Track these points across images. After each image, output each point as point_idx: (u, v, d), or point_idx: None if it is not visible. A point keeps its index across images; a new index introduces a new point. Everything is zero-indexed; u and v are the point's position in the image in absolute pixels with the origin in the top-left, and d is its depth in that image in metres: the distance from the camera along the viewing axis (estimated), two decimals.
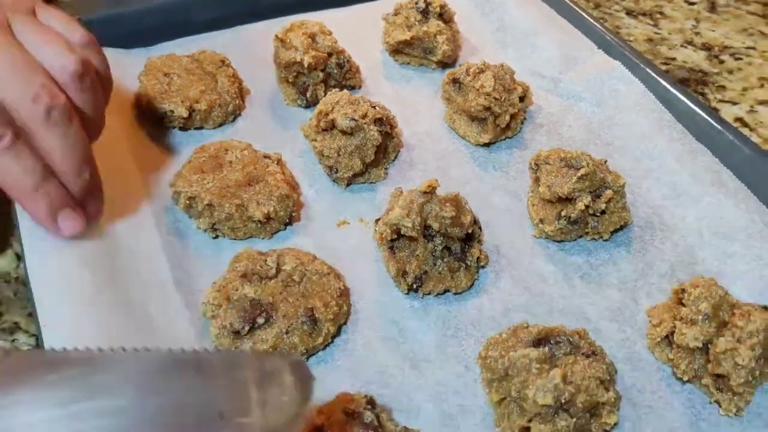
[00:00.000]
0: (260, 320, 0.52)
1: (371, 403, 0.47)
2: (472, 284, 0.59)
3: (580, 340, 0.50)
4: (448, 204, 0.56)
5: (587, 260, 0.61)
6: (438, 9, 0.78)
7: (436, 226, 0.55)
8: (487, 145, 0.71)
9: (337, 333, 0.55)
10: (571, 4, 0.84)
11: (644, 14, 0.94)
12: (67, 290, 0.51)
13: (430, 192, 0.56)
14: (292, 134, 0.71)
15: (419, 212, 0.55)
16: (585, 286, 0.59)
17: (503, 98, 0.68)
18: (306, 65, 0.70)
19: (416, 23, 0.78)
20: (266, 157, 0.64)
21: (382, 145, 0.66)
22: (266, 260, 0.55)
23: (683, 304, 0.52)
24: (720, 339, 0.49)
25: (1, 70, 0.48)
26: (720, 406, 0.50)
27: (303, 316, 0.52)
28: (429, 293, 0.57)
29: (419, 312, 0.57)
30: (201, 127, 0.71)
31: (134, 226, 0.59)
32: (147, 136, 0.69)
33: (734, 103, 0.80)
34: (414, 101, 0.76)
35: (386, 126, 0.66)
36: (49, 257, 0.53)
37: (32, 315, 0.51)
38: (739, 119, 0.78)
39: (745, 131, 0.76)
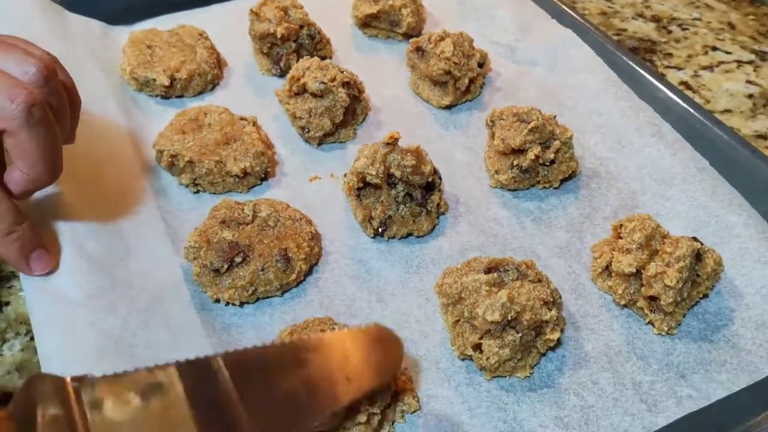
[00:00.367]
0: (238, 259, 0.57)
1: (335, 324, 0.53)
2: (433, 228, 0.64)
3: (527, 270, 0.56)
4: (409, 154, 0.61)
5: (539, 206, 0.66)
6: None
7: (398, 174, 0.61)
8: (448, 107, 0.76)
9: (309, 272, 0.60)
10: None
11: None
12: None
13: (392, 143, 0.61)
14: (267, 101, 0.76)
15: (382, 161, 0.60)
16: (536, 228, 0.64)
17: (462, 63, 0.74)
18: (279, 36, 0.75)
19: None
20: (242, 119, 0.70)
21: (351, 107, 0.72)
22: (243, 208, 0.60)
23: (621, 238, 0.58)
24: (651, 264, 0.55)
25: None
26: (654, 326, 0.56)
27: (277, 255, 0.58)
28: (393, 237, 0.63)
29: (384, 253, 0.62)
30: (181, 96, 0.76)
31: (129, 180, 0.65)
32: (132, 103, 0.74)
33: (680, 69, 0.86)
34: (381, 69, 0.82)
35: (354, 89, 0.71)
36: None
37: None
38: (683, 83, 0.84)
39: (689, 93, 0.82)
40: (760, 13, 0.97)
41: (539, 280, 0.55)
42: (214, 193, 0.66)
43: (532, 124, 0.64)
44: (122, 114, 0.72)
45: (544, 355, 0.54)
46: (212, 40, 0.80)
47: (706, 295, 0.58)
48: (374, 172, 0.60)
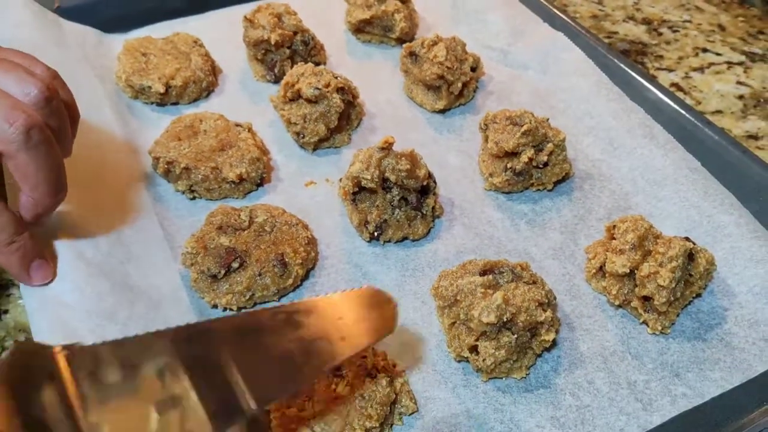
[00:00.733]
0: (235, 265, 0.57)
1: None
2: (428, 232, 0.64)
3: (522, 271, 0.56)
4: (403, 158, 0.61)
5: (533, 208, 0.67)
6: None
7: (393, 178, 0.61)
8: (442, 111, 0.77)
9: (306, 277, 0.60)
10: None
11: None
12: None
13: (387, 148, 0.61)
14: (262, 107, 0.76)
15: (377, 166, 0.61)
16: (530, 230, 0.65)
17: (455, 67, 0.74)
18: (273, 43, 0.76)
19: (375, 3, 0.84)
20: (238, 125, 0.70)
21: (345, 113, 0.72)
22: (240, 214, 0.61)
23: (615, 239, 0.59)
24: (644, 264, 0.55)
25: None
26: (648, 326, 0.57)
27: (274, 261, 0.58)
28: (389, 241, 0.63)
29: (380, 257, 0.63)
30: (177, 103, 0.77)
31: (125, 188, 0.65)
32: (127, 110, 0.75)
33: (670, 70, 0.87)
34: (375, 74, 0.82)
35: (348, 95, 0.72)
36: None
37: None
38: (674, 84, 0.85)
39: (680, 95, 0.83)
40: (750, 14, 0.98)
41: (534, 282, 0.56)
42: (211, 200, 0.67)
43: (525, 127, 0.65)
44: (118, 121, 0.72)
45: (539, 356, 0.55)
46: (207, 47, 0.81)
47: (699, 295, 0.59)
48: (369, 177, 0.60)
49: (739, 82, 0.85)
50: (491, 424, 0.50)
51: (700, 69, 0.87)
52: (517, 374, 0.53)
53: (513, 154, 0.66)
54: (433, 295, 0.56)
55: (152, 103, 0.76)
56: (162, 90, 0.74)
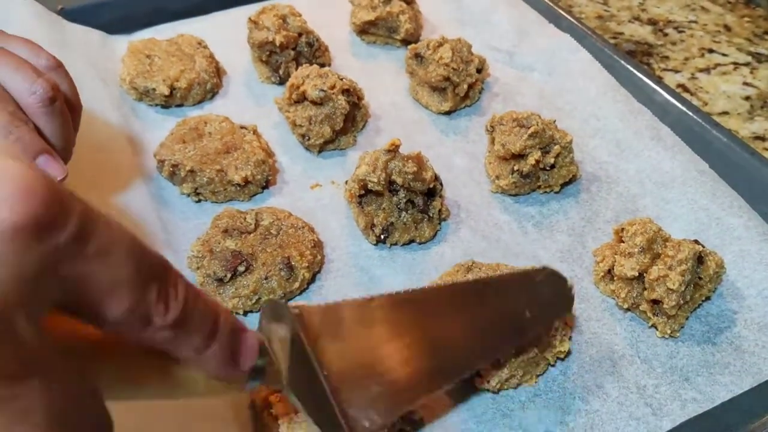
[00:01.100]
0: (241, 268, 0.57)
1: None
2: (435, 235, 0.64)
3: None
4: (410, 161, 0.61)
5: (540, 210, 0.67)
6: None
7: (399, 180, 0.61)
8: (448, 113, 0.77)
9: (312, 280, 0.60)
10: None
11: None
12: None
13: (393, 150, 0.61)
14: (267, 109, 0.76)
15: (384, 168, 0.60)
16: (537, 232, 0.65)
17: (461, 69, 0.74)
18: (278, 44, 0.76)
19: (380, 4, 0.83)
20: (243, 127, 0.70)
21: (351, 115, 0.72)
22: (245, 217, 0.60)
23: (623, 242, 0.58)
24: (653, 267, 0.55)
25: None
26: (657, 330, 0.56)
27: (280, 264, 0.58)
28: (395, 243, 0.63)
29: (387, 260, 0.62)
30: (181, 105, 0.76)
31: (130, 190, 0.65)
32: (131, 112, 0.74)
33: (677, 71, 0.87)
34: (380, 76, 0.82)
35: (354, 96, 0.71)
36: None
37: None
38: (681, 85, 0.85)
39: (686, 96, 0.82)
40: (756, 15, 0.97)
41: None
42: (216, 202, 0.66)
43: (532, 129, 0.64)
44: (122, 124, 0.72)
45: (553, 365, 0.54)
46: (211, 48, 0.80)
47: (708, 298, 0.59)
48: (376, 179, 0.60)
49: (745, 83, 0.85)
50: (500, 429, 0.50)
51: (707, 70, 0.87)
52: (529, 383, 0.53)
53: (520, 156, 0.66)
54: None
55: (156, 105, 0.76)
56: (166, 92, 0.73)
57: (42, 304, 0.25)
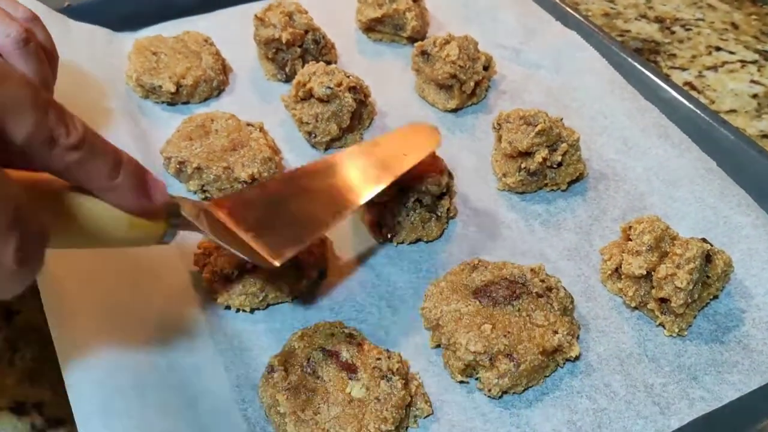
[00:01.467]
0: (248, 266, 0.57)
1: (351, 336, 0.53)
2: (442, 233, 0.64)
3: (534, 278, 0.56)
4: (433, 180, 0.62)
5: (546, 208, 0.67)
6: None
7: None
8: (454, 110, 0.77)
9: (319, 277, 0.60)
10: None
11: None
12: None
13: None
14: (273, 106, 0.76)
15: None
16: (544, 230, 0.65)
17: (468, 66, 0.74)
18: (284, 41, 0.75)
19: (386, 1, 0.83)
20: (249, 125, 0.70)
21: (357, 112, 0.72)
22: None
23: (631, 240, 0.58)
24: (661, 266, 0.55)
25: None
26: (664, 328, 0.56)
27: (287, 262, 0.57)
28: (402, 242, 0.63)
29: (394, 258, 0.62)
30: (187, 102, 0.76)
31: None
32: (138, 110, 0.74)
33: (684, 69, 0.86)
34: (386, 73, 0.82)
35: (360, 94, 0.71)
36: None
37: None
38: (688, 83, 0.84)
39: (694, 94, 0.82)
40: (763, 12, 0.97)
41: (548, 289, 0.55)
42: None
43: (539, 127, 0.64)
44: (128, 121, 0.72)
45: (562, 367, 0.54)
46: (217, 46, 0.80)
47: (716, 297, 0.58)
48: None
49: (752, 81, 0.85)
50: (507, 427, 0.50)
51: (714, 68, 0.87)
52: (536, 385, 0.53)
53: (527, 154, 0.66)
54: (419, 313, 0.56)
55: (163, 102, 0.76)
56: (173, 89, 0.73)
57: None
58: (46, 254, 0.35)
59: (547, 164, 0.65)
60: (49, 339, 0.52)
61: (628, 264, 0.56)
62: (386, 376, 0.50)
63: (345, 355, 0.51)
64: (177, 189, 0.67)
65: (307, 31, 0.78)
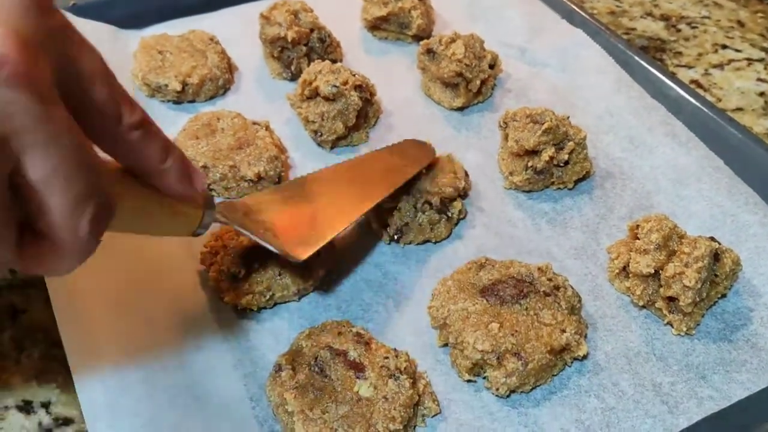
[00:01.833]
0: (255, 265, 0.57)
1: (359, 335, 0.53)
2: (450, 233, 0.64)
3: (541, 276, 0.56)
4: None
5: (553, 207, 0.66)
6: None
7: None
8: (460, 109, 0.76)
9: (326, 276, 0.60)
10: None
11: None
12: None
13: None
14: (279, 105, 0.76)
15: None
16: (551, 229, 0.64)
17: (474, 65, 0.74)
18: (290, 40, 0.75)
19: (392, 0, 0.83)
20: (255, 123, 0.70)
21: (363, 111, 0.72)
22: None
23: (638, 238, 0.58)
24: (669, 264, 0.55)
25: None
26: (672, 327, 0.56)
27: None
28: (410, 243, 0.63)
29: (400, 257, 0.62)
30: (193, 101, 0.76)
31: None
32: (144, 108, 0.74)
33: (690, 67, 0.86)
34: (392, 72, 0.82)
35: (366, 92, 0.71)
36: None
37: None
38: (694, 81, 0.84)
39: (700, 92, 0.82)
40: None
41: (556, 288, 0.55)
42: (229, 198, 0.66)
43: (545, 126, 0.64)
44: None
45: (570, 366, 0.54)
46: (223, 44, 0.80)
47: (724, 295, 0.58)
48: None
49: (759, 79, 0.84)
50: (515, 426, 0.50)
51: (720, 66, 0.86)
52: (544, 384, 0.53)
53: (533, 152, 0.65)
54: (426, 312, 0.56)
55: (169, 101, 0.76)
56: (179, 88, 0.73)
57: (49, 64, 0.33)
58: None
59: (553, 162, 0.65)
60: (56, 338, 0.52)
61: (636, 263, 0.56)
62: (394, 375, 0.50)
63: (352, 354, 0.51)
64: None
65: (312, 30, 0.78)
